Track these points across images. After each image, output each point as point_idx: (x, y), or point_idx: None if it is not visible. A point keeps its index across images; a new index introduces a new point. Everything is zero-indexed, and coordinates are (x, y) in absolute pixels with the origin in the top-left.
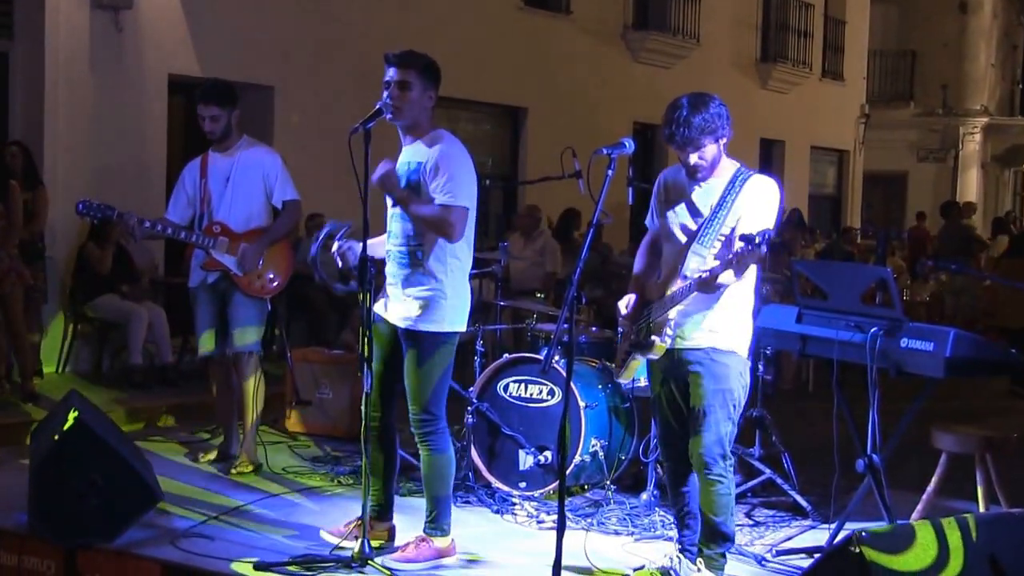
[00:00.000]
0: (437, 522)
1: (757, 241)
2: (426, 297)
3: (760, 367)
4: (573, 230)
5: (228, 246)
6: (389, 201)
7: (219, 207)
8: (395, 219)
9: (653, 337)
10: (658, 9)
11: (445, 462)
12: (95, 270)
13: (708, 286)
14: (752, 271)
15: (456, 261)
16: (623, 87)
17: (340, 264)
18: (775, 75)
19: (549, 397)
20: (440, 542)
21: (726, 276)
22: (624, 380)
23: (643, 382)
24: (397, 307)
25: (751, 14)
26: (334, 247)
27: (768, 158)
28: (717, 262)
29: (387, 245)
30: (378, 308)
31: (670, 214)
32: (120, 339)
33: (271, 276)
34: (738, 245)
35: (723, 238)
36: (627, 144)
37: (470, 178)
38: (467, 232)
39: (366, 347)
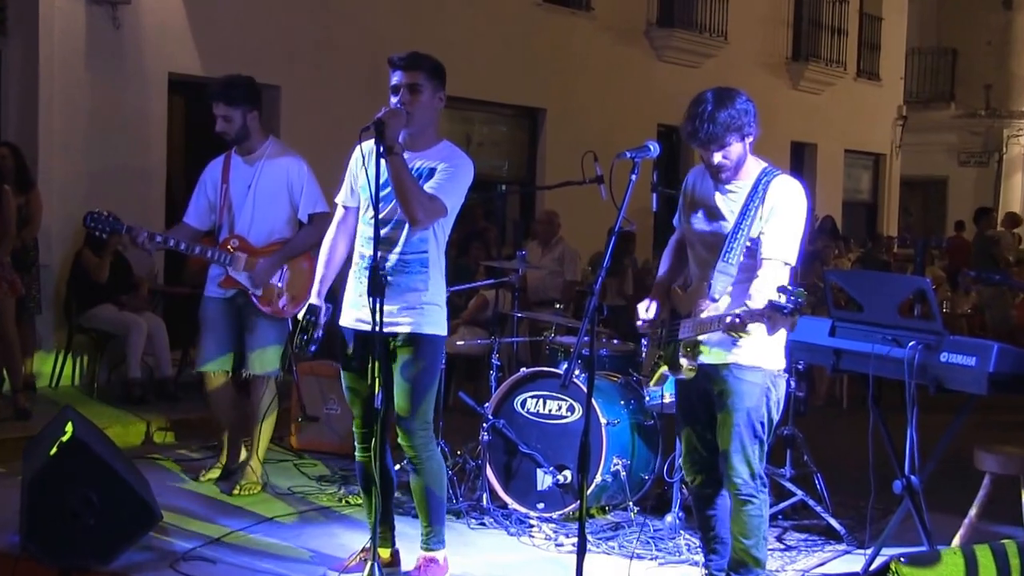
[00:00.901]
0: (439, 534)
1: (790, 309)
2: (426, 303)
3: (791, 383)
4: (624, 255)
5: (246, 263)
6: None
7: (239, 218)
8: (401, 228)
9: (682, 359)
10: (684, 5)
11: (441, 467)
12: (92, 279)
13: (737, 331)
14: (784, 278)
15: (442, 268)
16: (646, 87)
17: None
18: (807, 75)
19: (569, 414)
20: (441, 554)
21: (757, 327)
22: (653, 388)
23: (668, 398)
24: (396, 313)
25: (782, 10)
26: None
27: (799, 162)
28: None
29: (392, 256)
30: (360, 319)
31: (694, 219)
32: (117, 351)
33: (292, 296)
34: (756, 306)
35: (750, 251)
36: (652, 147)
37: (462, 191)
38: (441, 240)
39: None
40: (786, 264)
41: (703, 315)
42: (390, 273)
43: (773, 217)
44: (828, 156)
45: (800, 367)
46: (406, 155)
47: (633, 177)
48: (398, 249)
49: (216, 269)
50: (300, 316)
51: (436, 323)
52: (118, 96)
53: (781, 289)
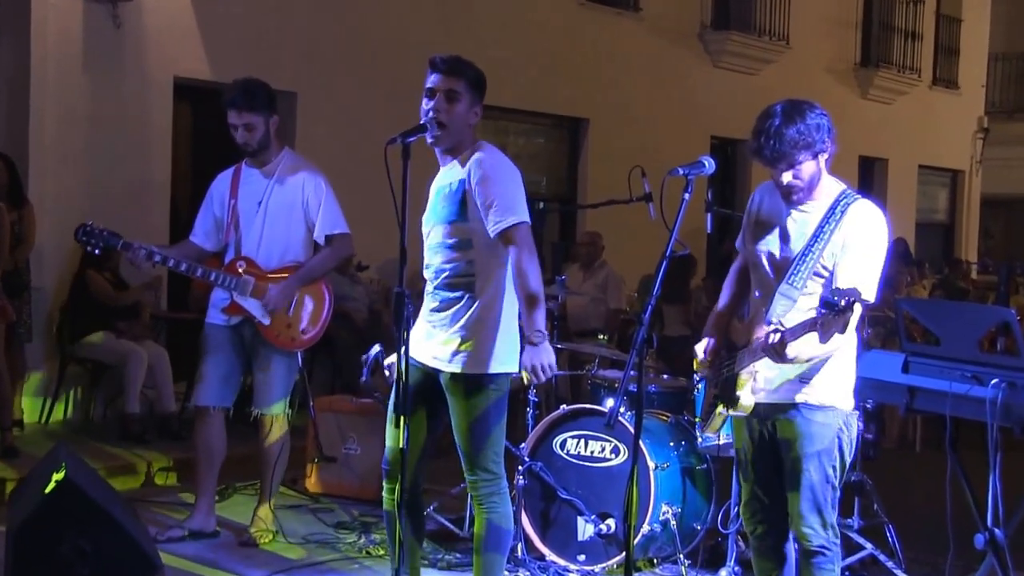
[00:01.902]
0: None
1: (842, 305)
2: (479, 335)
3: (860, 424)
4: (685, 280)
5: (254, 287)
6: (427, 227)
7: (248, 237)
8: (441, 250)
9: (738, 393)
10: (741, 6)
11: (503, 525)
12: (100, 301)
13: (778, 353)
14: (855, 310)
15: (507, 291)
16: (700, 96)
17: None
18: (878, 82)
19: (613, 456)
20: None
21: (806, 345)
22: (709, 434)
23: (723, 439)
24: (437, 347)
25: (850, 11)
26: (385, 371)
27: (868, 179)
28: (810, 313)
29: (429, 282)
30: (418, 354)
31: (760, 240)
32: (115, 383)
33: (304, 327)
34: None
35: (818, 277)
36: (706, 163)
37: (518, 184)
38: (493, 256)
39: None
40: (867, 302)
41: (759, 342)
42: (436, 302)
43: (851, 249)
44: (900, 172)
45: (869, 407)
46: (446, 167)
47: (686, 196)
48: (444, 278)
49: (220, 293)
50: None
51: (487, 359)
52: (118, 102)
53: (825, 300)
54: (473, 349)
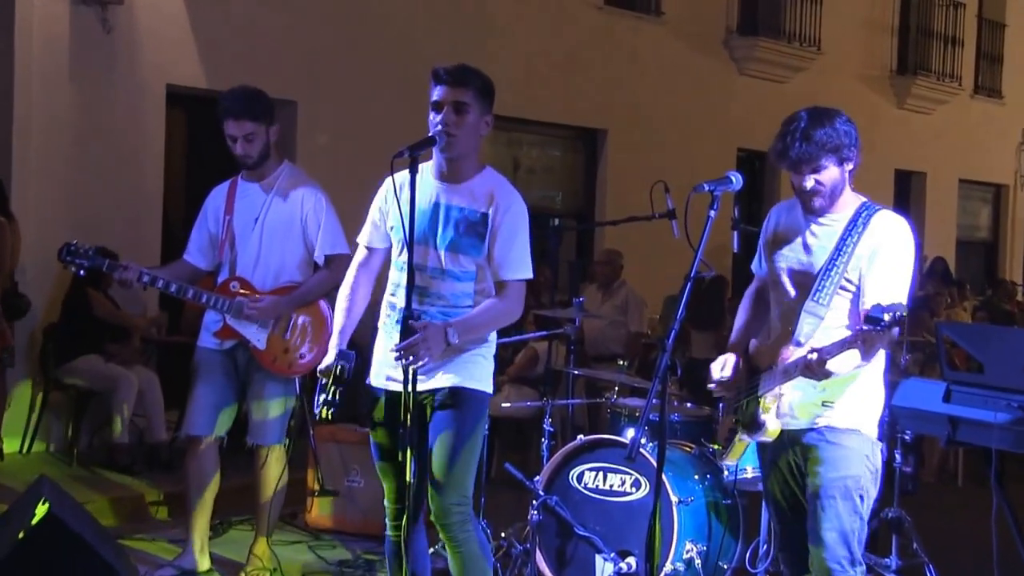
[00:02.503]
0: None
1: (887, 320)
2: (473, 356)
3: (897, 456)
4: (717, 301)
5: (248, 309)
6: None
7: (243, 255)
8: (439, 276)
9: (763, 417)
10: (769, 10)
11: (482, 552)
12: (103, 321)
13: (816, 372)
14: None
15: None
16: (726, 105)
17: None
18: (915, 91)
19: (634, 489)
20: None
21: (846, 360)
22: (730, 463)
23: (750, 472)
24: (429, 370)
25: (886, 15)
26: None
27: (905, 194)
28: (840, 330)
29: (421, 306)
30: (392, 378)
31: (778, 257)
32: (102, 411)
33: (302, 351)
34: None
35: (844, 292)
36: (734, 179)
37: (528, 237)
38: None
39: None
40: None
41: (788, 362)
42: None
43: (877, 261)
44: (940, 187)
45: (908, 438)
46: (442, 186)
47: (712, 213)
48: (441, 302)
49: (213, 315)
50: (318, 372)
51: (481, 378)
52: (108, 111)
53: (870, 316)
54: (468, 367)
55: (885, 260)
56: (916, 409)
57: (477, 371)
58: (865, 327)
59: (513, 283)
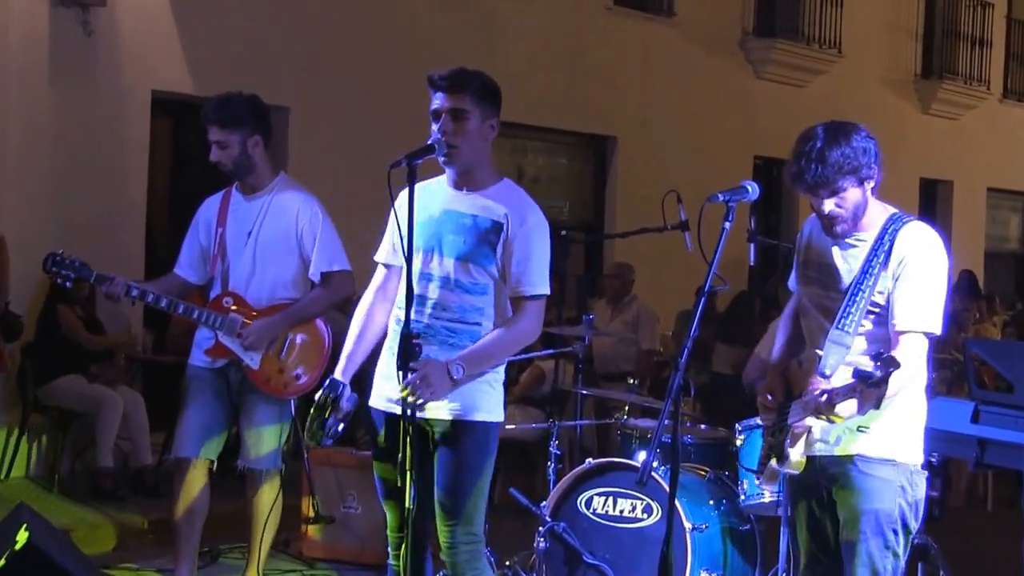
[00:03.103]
0: None
1: (877, 378)
2: (478, 385)
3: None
4: (745, 317)
5: (241, 327)
6: (421, 253)
7: (236, 270)
8: (448, 286)
9: (788, 449)
10: (787, 11)
11: None
12: (71, 340)
13: (824, 414)
14: (922, 345)
15: None
16: (741, 110)
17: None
18: (941, 95)
19: (645, 515)
20: None
21: (845, 408)
22: (768, 485)
23: (768, 496)
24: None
25: (910, 16)
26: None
27: (931, 204)
28: (864, 359)
29: (425, 319)
30: (393, 400)
31: (806, 278)
32: (85, 434)
33: (297, 372)
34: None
35: (872, 316)
36: (749, 188)
37: (548, 254)
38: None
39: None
40: (928, 335)
41: (806, 397)
42: (430, 343)
43: (905, 276)
44: (967, 196)
45: (935, 460)
46: (456, 194)
47: (727, 225)
48: (447, 315)
49: (204, 333)
50: (316, 395)
51: (487, 407)
52: (90, 118)
53: (858, 373)
54: (473, 396)
55: (911, 275)
56: (943, 430)
57: (483, 400)
58: (853, 382)
59: (531, 301)
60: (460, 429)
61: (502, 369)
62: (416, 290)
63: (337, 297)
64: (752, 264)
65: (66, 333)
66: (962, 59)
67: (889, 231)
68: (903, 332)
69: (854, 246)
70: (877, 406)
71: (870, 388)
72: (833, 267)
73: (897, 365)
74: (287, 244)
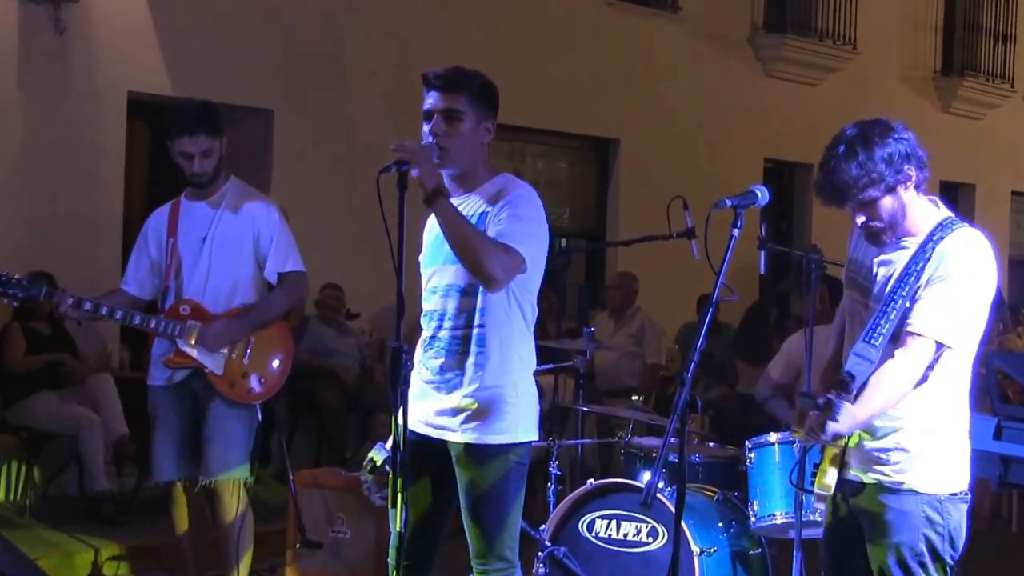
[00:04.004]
0: None
1: (814, 403)
2: (490, 398)
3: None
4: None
5: (200, 334)
6: (431, 267)
7: (192, 278)
8: (449, 294)
9: (820, 469)
10: (799, 5)
11: None
12: (9, 366)
13: (817, 435)
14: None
15: (528, 345)
16: (751, 111)
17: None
18: (962, 93)
19: (650, 539)
20: None
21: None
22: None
23: (780, 518)
24: (445, 419)
25: (929, 11)
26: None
27: (951, 209)
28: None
29: (427, 329)
30: (414, 419)
31: (851, 280)
32: (58, 457)
33: (258, 376)
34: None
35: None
36: (759, 193)
37: (538, 232)
38: (513, 306)
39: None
40: (941, 345)
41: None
42: (441, 357)
43: (935, 282)
44: (990, 200)
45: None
46: (460, 197)
47: (735, 232)
48: (449, 323)
49: (161, 347)
50: (374, 456)
51: (502, 427)
52: (62, 121)
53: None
54: (487, 414)
55: (943, 281)
56: None
57: (498, 420)
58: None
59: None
60: (474, 454)
61: (526, 382)
62: (427, 306)
63: (295, 298)
64: (763, 273)
65: (7, 358)
66: (984, 55)
67: (935, 238)
68: (911, 334)
69: (893, 256)
70: (820, 439)
71: (811, 432)
72: (872, 274)
73: (840, 403)
74: (244, 247)
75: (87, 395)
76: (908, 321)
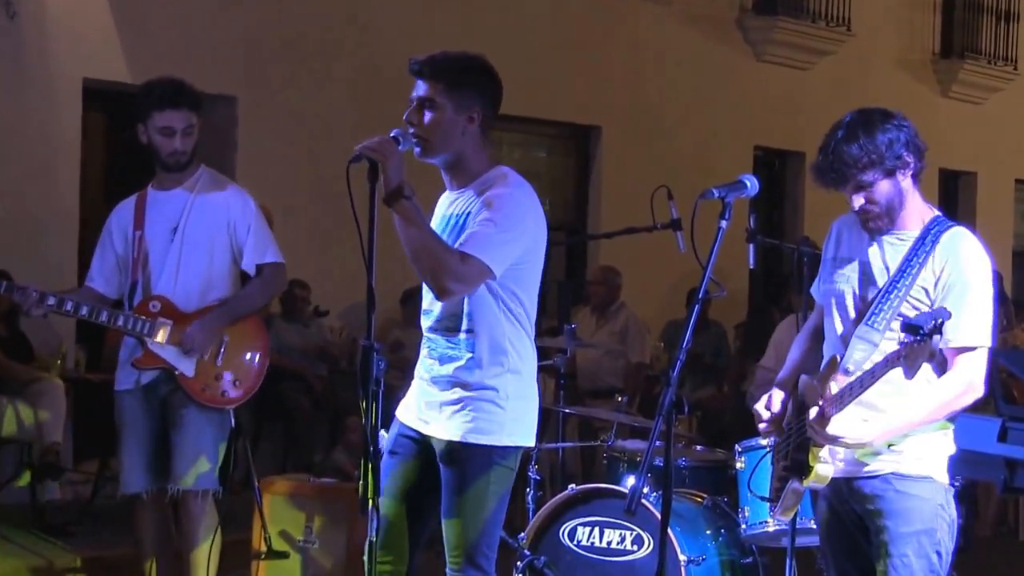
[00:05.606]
0: None
1: (929, 328)
2: (477, 398)
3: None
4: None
5: (171, 332)
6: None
7: (162, 272)
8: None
9: (811, 461)
10: None
11: None
12: None
13: (818, 434)
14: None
15: (522, 347)
16: (740, 97)
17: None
18: (963, 76)
19: (635, 547)
20: None
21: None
22: (784, 517)
23: (772, 525)
24: (433, 413)
25: None
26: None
27: (952, 198)
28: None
29: (424, 327)
30: (402, 414)
31: (837, 279)
32: (10, 461)
33: (235, 379)
34: (902, 336)
35: (901, 319)
36: (748, 183)
37: (514, 233)
38: (518, 312)
39: (370, 475)
40: (987, 349)
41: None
42: (435, 356)
43: (955, 288)
44: (992, 189)
45: (958, 484)
46: (451, 196)
47: (723, 223)
48: (440, 326)
49: (128, 348)
50: None
51: (489, 428)
52: (14, 110)
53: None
54: (472, 414)
55: (963, 286)
56: (967, 451)
57: (485, 420)
58: (907, 328)
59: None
60: (456, 451)
61: (518, 385)
62: (425, 304)
63: (273, 290)
64: (751, 267)
65: None
66: (986, 35)
67: (932, 232)
68: (966, 348)
69: (891, 243)
70: (931, 359)
71: (919, 345)
72: (868, 265)
73: (947, 314)
74: (218, 238)
75: (36, 399)
76: (946, 338)
